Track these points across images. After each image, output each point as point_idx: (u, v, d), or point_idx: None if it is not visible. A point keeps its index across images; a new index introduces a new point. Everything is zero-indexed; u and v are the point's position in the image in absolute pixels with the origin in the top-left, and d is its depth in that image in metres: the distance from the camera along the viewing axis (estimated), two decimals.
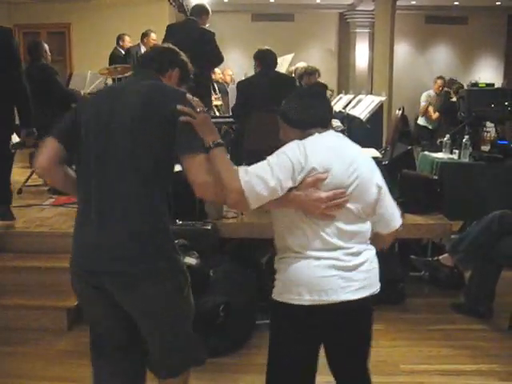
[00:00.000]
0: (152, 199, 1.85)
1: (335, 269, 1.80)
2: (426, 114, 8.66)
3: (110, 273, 1.84)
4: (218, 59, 5.43)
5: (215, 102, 6.85)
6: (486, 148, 5.33)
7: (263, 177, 1.73)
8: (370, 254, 1.90)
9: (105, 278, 1.85)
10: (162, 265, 1.88)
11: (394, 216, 1.97)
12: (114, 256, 1.83)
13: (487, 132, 6.57)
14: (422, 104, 8.71)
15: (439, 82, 8.65)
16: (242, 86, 4.83)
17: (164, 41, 5.47)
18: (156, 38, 7.62)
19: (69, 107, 4.70)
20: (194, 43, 5.11)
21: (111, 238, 1.84)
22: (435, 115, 8.45)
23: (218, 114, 6.76)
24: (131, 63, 7.04)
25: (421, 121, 8.81)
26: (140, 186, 1.83)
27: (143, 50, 7.52)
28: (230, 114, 5.41)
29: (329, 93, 6.40)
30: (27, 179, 5.36)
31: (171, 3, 6.08)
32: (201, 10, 5.43)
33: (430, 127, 8.58)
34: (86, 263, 1.89)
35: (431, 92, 8.72)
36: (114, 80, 6.48)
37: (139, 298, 1.87)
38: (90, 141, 1.86)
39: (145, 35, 7.53)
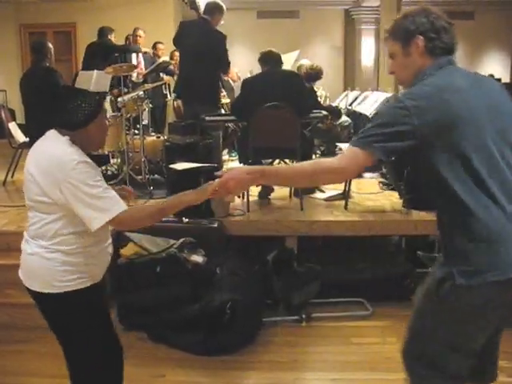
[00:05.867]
0: None
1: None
2: None
3: None
4: (224, 65, 5.27)
5: (222, 100, 6.82)
6: None
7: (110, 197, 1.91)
8: None
9: None
10: None
11: None
12: None
13: None
14: None
15: None
16: (245, 83, 4.82)
17: (176, 36, 5.31)
18: (144, 34, 7.45)
19: None
20: (204, 44, 4.99)
21: None
22: None
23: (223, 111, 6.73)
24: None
25: None
26: None
27: None
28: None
29: None
30: None
31: (183, 0, 5.98)
32: (213, 8, 5.10)
33: None
34: None
35: None
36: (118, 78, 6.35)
37: None
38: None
39: (132, 33, 7.29)
